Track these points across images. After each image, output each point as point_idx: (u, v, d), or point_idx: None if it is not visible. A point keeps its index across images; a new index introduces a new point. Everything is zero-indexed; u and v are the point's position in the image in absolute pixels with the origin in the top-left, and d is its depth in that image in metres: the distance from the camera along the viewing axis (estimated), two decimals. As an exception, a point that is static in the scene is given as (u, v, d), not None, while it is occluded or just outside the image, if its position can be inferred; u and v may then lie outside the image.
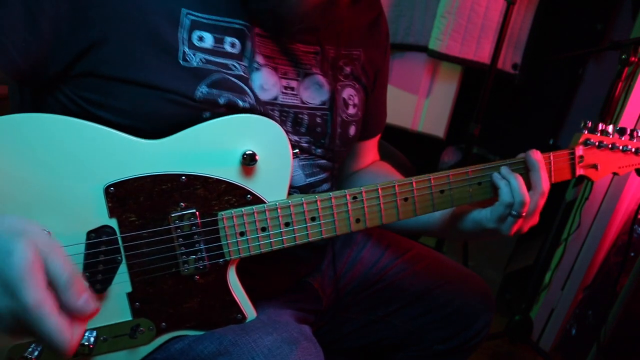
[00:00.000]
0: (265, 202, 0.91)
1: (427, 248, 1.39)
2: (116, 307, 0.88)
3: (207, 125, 0.88)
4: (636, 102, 1.98)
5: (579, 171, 1.11)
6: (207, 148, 0.88)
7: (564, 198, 2.20)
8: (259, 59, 0.96)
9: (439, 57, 2.51)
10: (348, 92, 1.11)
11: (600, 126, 1.11)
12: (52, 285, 0.62)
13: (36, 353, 0.82)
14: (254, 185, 0.90)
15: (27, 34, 0.81)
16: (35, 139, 0.79)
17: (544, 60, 2.47)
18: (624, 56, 1.74)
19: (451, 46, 2.46)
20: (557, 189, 2.15)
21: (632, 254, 1.99)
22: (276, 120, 0.99)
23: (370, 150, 1.36)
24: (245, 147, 0.88)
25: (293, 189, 1.03)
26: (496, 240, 2.62)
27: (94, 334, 0.85)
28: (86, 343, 0.84)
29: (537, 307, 2.40)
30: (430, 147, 2.74)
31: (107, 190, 0.83)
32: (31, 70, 0.84)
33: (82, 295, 0.63)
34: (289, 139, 1.01)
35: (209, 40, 0.90)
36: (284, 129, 0.99)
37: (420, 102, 2.67)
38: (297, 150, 0.98)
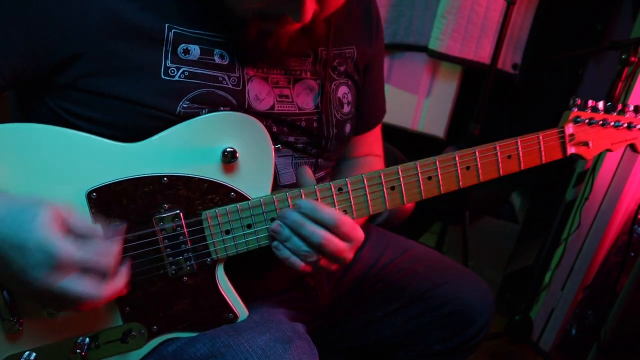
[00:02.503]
0: (249, 199, 0.91)
1: (427, 248, 1.39)
2: (106, 313, 0.87)
3: (186, 124, 0.88)
4: (636, 102, 1.96)
5: (570, 149, 1.07)
6: (187, 148, 0.87)
7: (564, 198, 2.19)
8: (249, 69, 0.96)
9: (439, 57, 2.50)
10: (342, 91, 1.11)
11: (590, 103, 1.07)
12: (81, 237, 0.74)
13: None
14: (236, 183, 0.90)
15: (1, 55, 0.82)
16: (14, 147, 0.79)
17: (544, 60, 2.46)
18: (624, 56, 1.73)
19: (451, 46, 2.46)
20: (557, 189, 2.16)
21: (632, 254, 1.98)
22: (272, 128, 0.98)
23: (362, 143, 1.32)
24: (225, 145, 0.88)
25: (284, 188, 1.01)
26: (496, 240, 2.62)
27: (86, 341, 0.85)
28: (78, 351, 0.84)
29: (537, 307, 2.39)
30: (430, 147, 2.73)
31: (89, 196, 0.83)
32: (6, 84, 0.86)
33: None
34: (286, 139, 1.00)
35: (195, 52, 0.90)
36: (278, 130, 0.98)
37: (420, 102, 2.66)
38: (279, 145, 0.97)
